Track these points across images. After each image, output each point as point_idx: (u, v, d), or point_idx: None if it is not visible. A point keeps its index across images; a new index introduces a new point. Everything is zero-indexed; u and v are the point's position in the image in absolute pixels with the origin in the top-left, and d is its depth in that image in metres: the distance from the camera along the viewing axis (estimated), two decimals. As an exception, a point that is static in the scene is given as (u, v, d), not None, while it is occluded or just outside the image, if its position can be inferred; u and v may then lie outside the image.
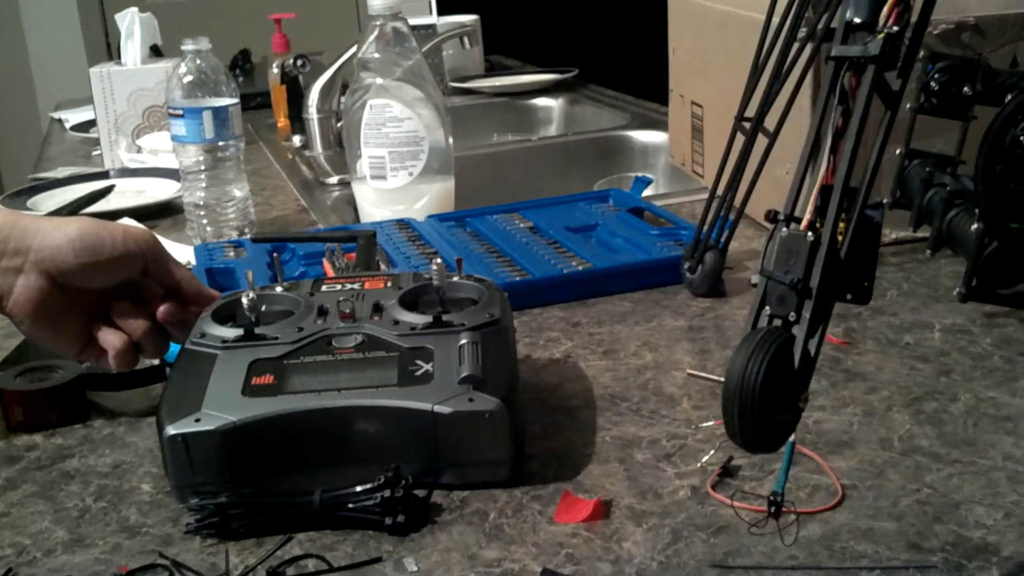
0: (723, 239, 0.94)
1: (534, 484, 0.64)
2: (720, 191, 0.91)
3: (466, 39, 1.80)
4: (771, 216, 0.45)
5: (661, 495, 0.62)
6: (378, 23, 1.15)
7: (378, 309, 0.72)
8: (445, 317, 0.70)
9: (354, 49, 1.36)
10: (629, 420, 0.72)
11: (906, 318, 0.85)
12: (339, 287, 0.76)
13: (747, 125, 0.87)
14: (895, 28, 0.42)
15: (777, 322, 0.44)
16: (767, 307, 0.45)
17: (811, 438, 0.67)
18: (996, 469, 0.62)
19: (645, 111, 1.80)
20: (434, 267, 0.73)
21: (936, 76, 0.64)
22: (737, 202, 0.92)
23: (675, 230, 1.06)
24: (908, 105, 0.66)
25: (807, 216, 0.44)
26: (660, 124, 1.62)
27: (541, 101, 2.02)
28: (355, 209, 1.25)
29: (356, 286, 0.76)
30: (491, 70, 2.25)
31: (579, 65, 2.11)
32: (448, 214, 1.17)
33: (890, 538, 0.56)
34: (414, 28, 2.01)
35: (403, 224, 1.13)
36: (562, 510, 0.61)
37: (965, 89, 0.64)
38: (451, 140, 1.19)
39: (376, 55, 1.15)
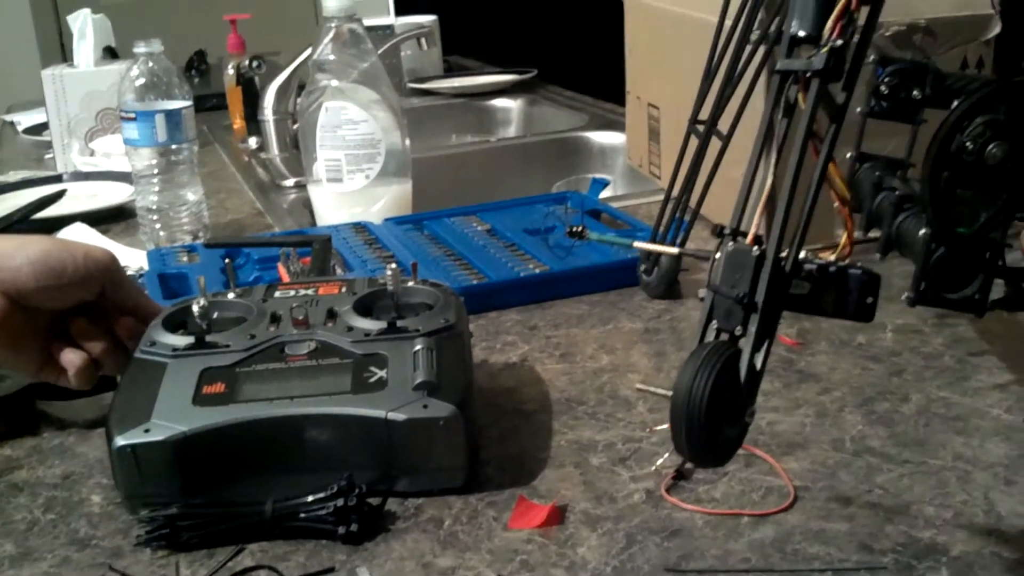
0: (679, 241, 0.94)
1: (489, 490, 0.64)
2: (675, 193, 0.92)
3: (423, 40, 1.80)
4: (717, 231, 0.45)
5: (616, 499, 0.62)
6: (333, 24, 1.14)
7: (332, 315, 0.71)
8: (399, 323, 0.69)
9: (310, 50, 1.35)
10: (585, 424, 0.72)
11: (859, 318, 0.86)
12: (292, 293, 0.76)
13: (701, 128, 0.88)
14: (839, 42, 0.42)
15: (724, 336, 0.44)
16: (714, 321, 0.45)
17: (764, 439, 0.68)
18: (946, 469, 0.63)
19: (603, 112, 1.80)
20: (388, 272, 0.72)
21: (886, 80, 0.65)
22: (692, 204, 0.92)
23: (632, 232, 1.07)
24: (859, 109, 0.66)
25: (753, 230, 0.44)
26: (618, 125, 1.62)
27: (500, 102, 2.02)
28: (311, 212, 1.24)
29: (310, 292, 0.75)
30: (450, 71, 2.25)
31: (538, 66, 2.11)
32: (405, 217, 1.16)
33: (841, 539, 0.57)
34: (371, 29, 2.00)
35: (360, 227, 1.12)
36: (517, 516, 0.61)
37: (915, 93, 0.65)
38: (408, 142, 1.18)
39: (331, 57, 1.15)
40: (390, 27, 1.99)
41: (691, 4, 1.13)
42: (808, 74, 0.43)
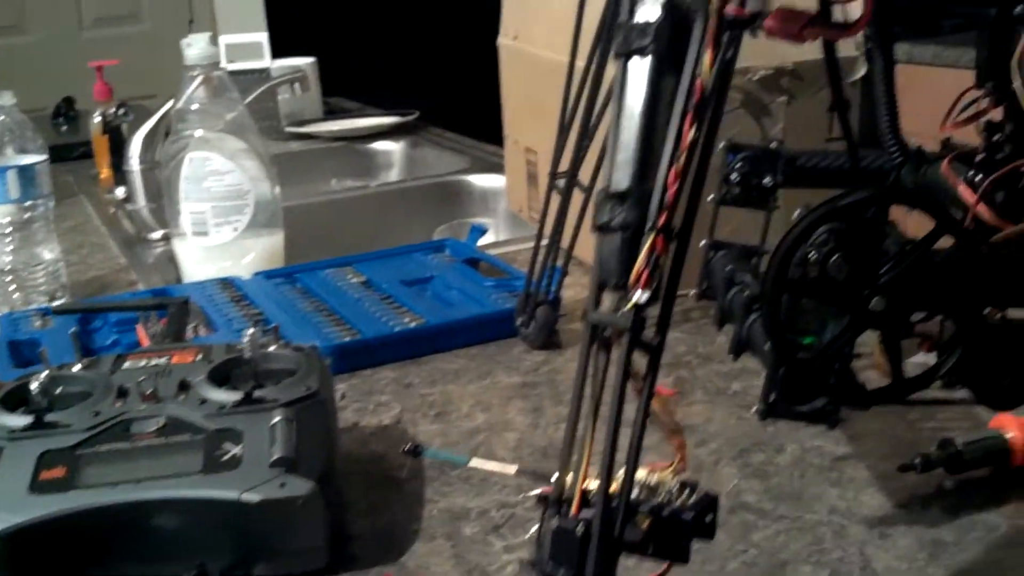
0: (553, 290, 0.93)
1: (355, 569, 0.61)
2: (546, 241, 0.90)
3: (297, 86, 1.76)
4: (540, 498, 0.42)
5: (488, 573, 0.59)
6: (196, 73, 1.10)
7: (184, 387, 0.67)
8: (257, 393, 0.65)
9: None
10: (458, 489, 0.69)
11: (734, 365, 0.85)
12: (144, 363, 0.71)
13: (562, 182, 0.86)
14: (644, 296, 0.40)
15: None
16: None
17: (641, 500, 0.66)
18: (822, 524, 0.62)
19: (486, 155, 1.79)
20: (246, 338, 0.69)
21: (736, 167, 0.64)
22: (565, 251, 0.91)
23: (510, 281, 1.05)
24: (710, 197, 0.66)
25: (577, 497, 0.42)
26: (501, 168, 1.60)
27: (381, 145, 1.99)
28: (179, 267, 1.19)
29: (163, 361, 0.71)
30: (330, 113, 2.21)
31: (420, 107, 2.09)
32: (277, 270, 1.12)
33: (718, 606, 0.55)
34: (246, 72, 1.96)
35: (227, 283, 1.07)
36: (383, 598, 0.57)
37: (766, 180, 0.65)
38: (278, 191, 1.14)
39: (195, 106, 1.10)
40: (266, 70, 1.95)
41: (563, 50, 1.12)
42: (616, 330, 0.41)
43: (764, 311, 0.48)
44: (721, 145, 0.62)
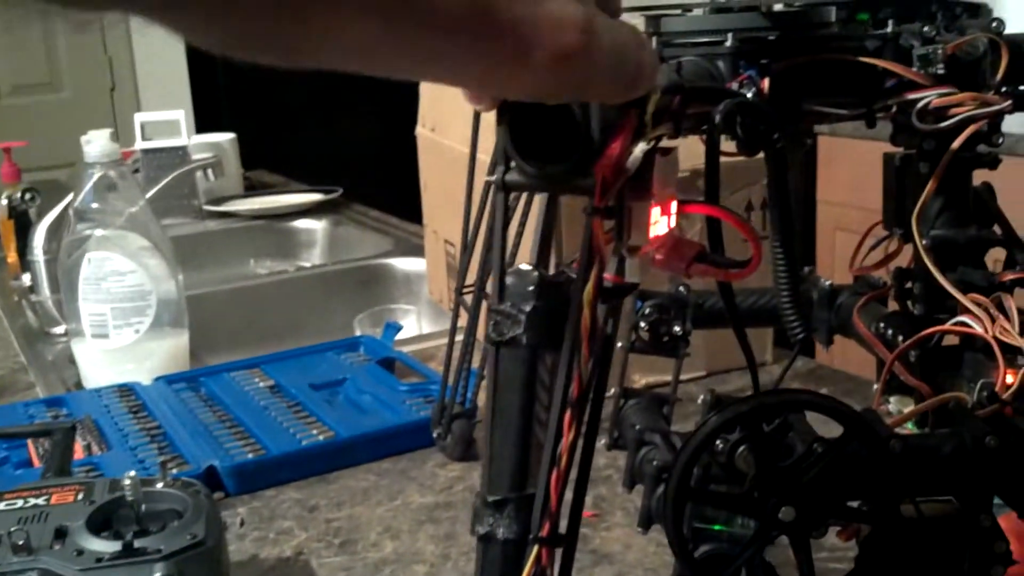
0: (470, 398, 0.89)
1: None
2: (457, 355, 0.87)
3: (210, 171, 1.71)
4: None
5: None
6: (94, 171, 1.05)
7: (61, 534, 0.61)
8: (138, 543, 0.60)
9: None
10: (360, 637, 0.65)
11: (656, 482, 0.82)
12: (20, 504, 0.65)
13: (469, 297, 0.83)
14: None
15: None
16: None
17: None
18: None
19: (409, 235, 1.75)
20: (127, 481, 0.64)
21: (645, 314, 0.62)
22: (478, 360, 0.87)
23: (426, 384, 1.01)
24: (620, 343, 0.64)
25: None
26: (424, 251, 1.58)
27: (303, 223, 1.94)
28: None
29: (41, 501, 0.66)
30: (251, 188, 2.16)
31: (344, 183, 2.05)
32: (180, 374, 1.07)
33: None
34: (164, 151, 1.91)
35: (126, 390, 1.02)
36: None
37: (675, 328, 0.63)
38: (183, 291, 1.09)
39: (94, 204, 1.06)
40: (183, 148, 1.90)
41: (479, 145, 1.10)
42: None
43: (666, 522, 0.45)
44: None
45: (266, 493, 0.85)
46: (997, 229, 0.61)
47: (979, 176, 0.62)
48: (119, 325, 1.05)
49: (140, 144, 1.88)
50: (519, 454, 0.39)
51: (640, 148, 0.39)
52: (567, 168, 0.37)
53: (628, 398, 0.68)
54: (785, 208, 0.55)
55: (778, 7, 0.57)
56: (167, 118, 1.92)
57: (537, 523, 0.37)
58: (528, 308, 0.40)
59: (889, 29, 0.57)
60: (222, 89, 3.41)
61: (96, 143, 1.03)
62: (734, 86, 0.51)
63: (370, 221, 1.91)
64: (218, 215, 1.96)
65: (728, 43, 0.51)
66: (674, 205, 0.44)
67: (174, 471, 0.82)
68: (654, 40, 0.56)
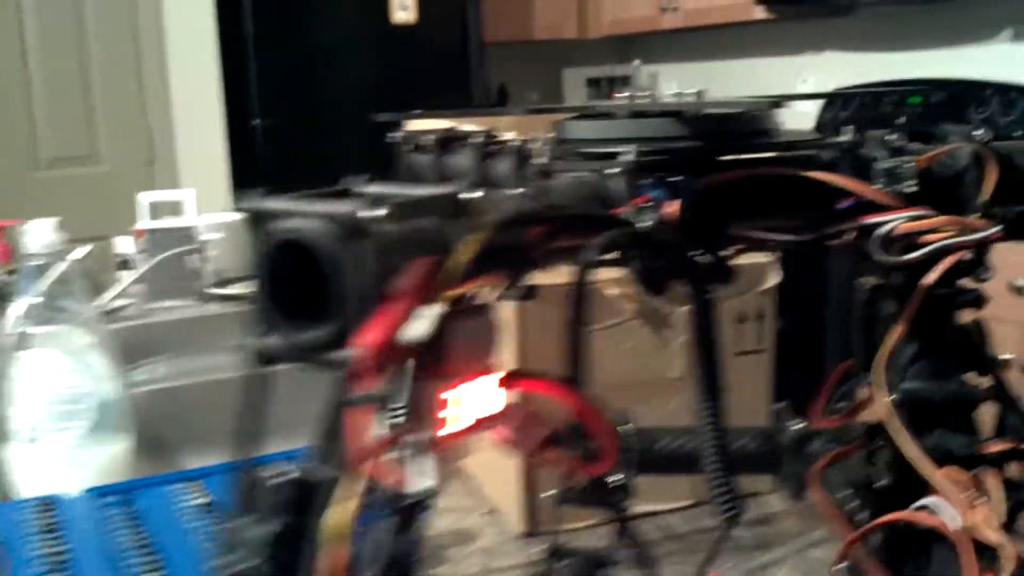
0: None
1: None
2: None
3: (196, 257, 1.65)
4: None
5: None
6: (36, 263, 0.98)
7: None
8: None
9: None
10: None
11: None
12: None
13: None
14: None
15: None
16: None
17: None
18: None
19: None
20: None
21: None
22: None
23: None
24: (551, 491, 0.53)
25: None
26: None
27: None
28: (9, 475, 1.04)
29: None
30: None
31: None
32: (115, 486, 0.98)
33: None
34: (170, 231, 1.85)
35: (47, 505, 0.93)
36: None
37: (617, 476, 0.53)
38: (125, 392, 1.01)
39: (37, 299, 0.98)
40: (188, 228, 1.84)
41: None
42: None
43: None
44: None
45: (167, 638, 0.75)
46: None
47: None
48: (54, 429, 0.97)
49: (141, 224, 1.83)
50: None
51: (433, 312, 0.29)
52: (320, 337, 0.28)
53: (559, 558, 0.57)
54: (708, 354, 0.45)
55: (713, 110, 0.47)
56: (172, 198, 1.87)
57: None
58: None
59: (846, 137, 0.47)
60: (259, 160, 3.40)
61: (34, 234, 0.96)
62: (629, 211, 0.40)
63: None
64: (220, 297, 1.88)
65: (628, 156, 0.41)
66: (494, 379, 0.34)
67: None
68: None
